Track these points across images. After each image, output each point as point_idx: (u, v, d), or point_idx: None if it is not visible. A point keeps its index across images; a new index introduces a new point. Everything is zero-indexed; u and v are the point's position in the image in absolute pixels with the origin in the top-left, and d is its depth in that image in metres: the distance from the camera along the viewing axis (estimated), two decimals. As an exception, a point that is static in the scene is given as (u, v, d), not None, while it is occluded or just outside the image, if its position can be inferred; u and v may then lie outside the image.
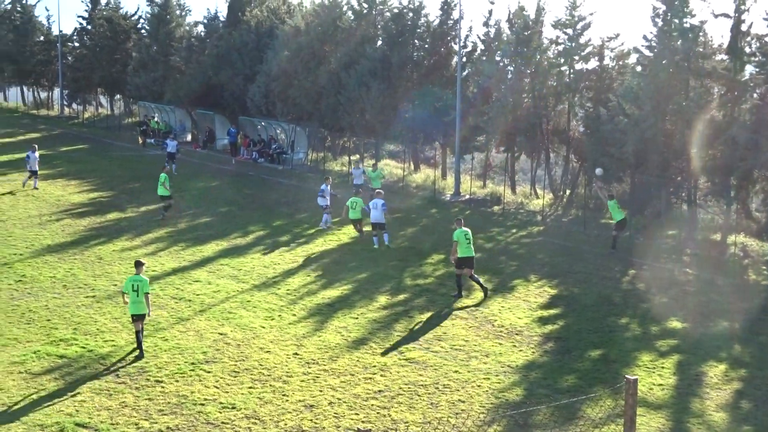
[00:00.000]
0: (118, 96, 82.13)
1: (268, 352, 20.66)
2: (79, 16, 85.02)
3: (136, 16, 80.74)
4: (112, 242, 31.15)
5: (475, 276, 25.53)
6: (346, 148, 54.27)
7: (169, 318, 22.93)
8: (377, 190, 33.26)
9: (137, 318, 20.19)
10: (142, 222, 34.88)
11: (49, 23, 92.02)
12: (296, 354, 20.59)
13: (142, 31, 77.31)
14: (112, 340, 21.09)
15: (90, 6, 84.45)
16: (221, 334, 21.81)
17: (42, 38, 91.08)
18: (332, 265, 29.13)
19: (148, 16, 73.74)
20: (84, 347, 20.55)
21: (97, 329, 21.86)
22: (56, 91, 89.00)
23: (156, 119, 64.18)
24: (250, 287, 26.15)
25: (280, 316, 23.41)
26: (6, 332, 21.43)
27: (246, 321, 22.84)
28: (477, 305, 24.76)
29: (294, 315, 23.53)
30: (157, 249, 30.60)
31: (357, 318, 23.41)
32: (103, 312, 23.27)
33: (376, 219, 31.32)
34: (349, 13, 53.53)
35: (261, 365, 19.79)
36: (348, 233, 33.93)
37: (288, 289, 26.01)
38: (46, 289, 25.28)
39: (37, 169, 41.22)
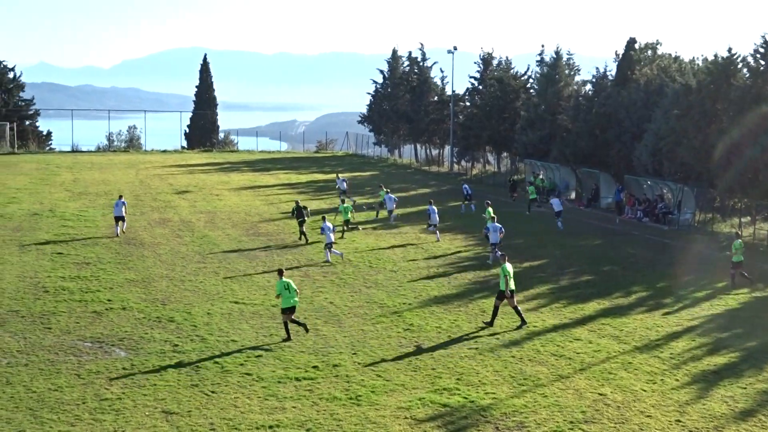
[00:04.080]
0: (505, 153, 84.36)
1: (648, 416, 20.05)
2: (471, 77, 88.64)
3: (525, 76, 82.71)
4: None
5: (518, 308, 28.13)
6: (736, 209, 51.77)
7: (549, 375, 22.95)
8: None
9: (290, 311, 25.91)
10: (524, 278, 35.32)
11: (442, 84, 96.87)
12: (679, 421, 19.80)
13: (531, 90, 78.96)
14: (493, 393, 21.46)
15: (482, 67, 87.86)
16: (601, 394, 21.48)
17: (436, 98, 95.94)
18: (718, 331, 27.79)
19: (538, 75, 75.27)
20: (466, 398, 21.08)
21: (479, 381, 22.35)
22: (447, 149, 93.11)
23: (541, 177, 65.08)
24: (632, 348, 25.57)
25: (662, 380, 22.66)
26: (394, 378, 22.50)
27: (627, 383, 22.34)
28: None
29: (677, 380, 22.68)
30: (538, 305, 30.85)
31: (745, 388, 22.11)
32: (486, 364, 23.76)
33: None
34: (744, 70, 51.28)
35: (641, 430, 19.23)
36: (736, 298, 32.31)
37: (671, 353, 25.13)
38: (432, 339, 26.28)
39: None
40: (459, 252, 40.79)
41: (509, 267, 27.99)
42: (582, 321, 28.70)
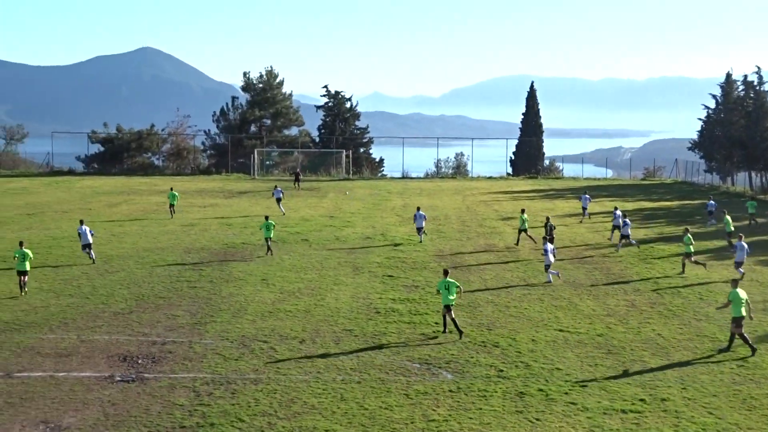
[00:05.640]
0: None
1: None
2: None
3: None
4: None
5: (745, 336, 27.23)
6: None
7: None
8: None
9: (449, 308, 28.88)
10: None
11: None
12: None
13: None
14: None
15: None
16: None
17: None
18: None
19: None
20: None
21: (823, 426, 20.77)
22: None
23: None
24: None
25: None
26: (727, 416, 21.41)
27: None
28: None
29: None
30: None
31: None
32: (830, 408, 22.05)
33: None
34: None
35: None
36: None
37: None
38: (769, 377, 24.78)
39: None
40: (799, 286, 38.22)
41: (741, 293, 27.55)
42: None
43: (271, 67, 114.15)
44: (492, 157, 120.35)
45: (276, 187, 67.56)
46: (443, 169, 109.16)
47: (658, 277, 39.90)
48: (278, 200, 64.45)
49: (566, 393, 23.20)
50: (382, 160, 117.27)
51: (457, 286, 29.33)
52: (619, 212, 50.27)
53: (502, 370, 25.27)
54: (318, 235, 52.00)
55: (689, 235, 41.55)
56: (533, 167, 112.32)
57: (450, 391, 23.38)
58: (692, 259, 41.11)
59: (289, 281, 38.22)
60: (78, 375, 24.54)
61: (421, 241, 49.35)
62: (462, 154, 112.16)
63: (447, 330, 29.43)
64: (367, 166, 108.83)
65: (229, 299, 34.47)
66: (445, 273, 29.76)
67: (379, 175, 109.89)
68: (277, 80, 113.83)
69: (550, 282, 38.35)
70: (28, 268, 35.42)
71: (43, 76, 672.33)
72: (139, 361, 25.96)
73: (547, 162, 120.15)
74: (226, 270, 40.69)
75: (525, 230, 48.37)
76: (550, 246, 39.08)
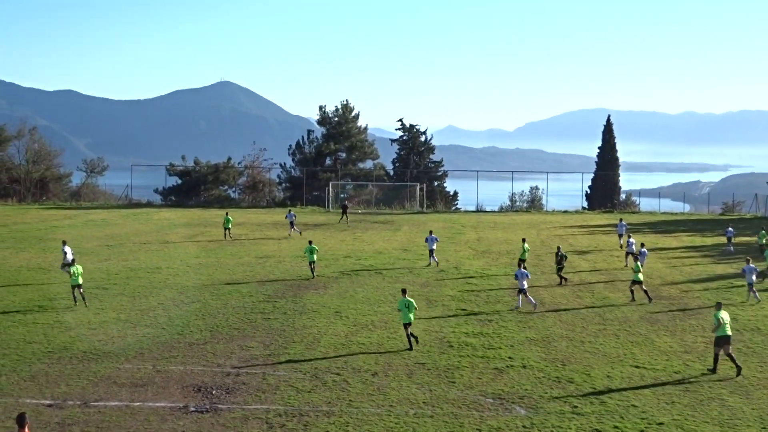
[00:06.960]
0: None
1: None
2: None
3: None
4: None
5: (732, 354, 28.70)
6: None
7: None
8: None
9: (408, 325, 31.53)
10: None
11: None
12: None
13: None
14: None
15: None
16: None
17: None
18: None
19: None
20: None
21: None
22: None
23: None
24: None
25: None
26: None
27: None
28: None
29: None
30: None
31: None
32: None
33: None
34: None
35: None
36: None
37: None
38: None
39: None
40: None
41: (725, 315, 29.07)
42: None
43: (346, 100, 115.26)
44: (567, 191, 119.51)
45: (290, 211, 74.36)
46: (518, 203, 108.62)
47: (737, 314, 39.03)
48: (291, 224, 69.90)
49: (642, 431, 22.76)
50: (456, 193, 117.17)
51: (415, 306, 32.04)
52: (632, 240, 54.25)
53: (576, 407, 24.92)
54: (391, 268, 52.02)
55: (638, 263, 42.19)
56: (609, 201, 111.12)
57: (524, 426, 23.12)
58: (642, 287, 41.90)
59: (363, 314, 38.27)
60: (153, 405, 24.83)
61: (437, 264, 53.02)
62: (537, 188, 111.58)
63: (413, 347, 31.62)
64: (441, 200, 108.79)
65: (302, 331, 34.60)
66: (404, 292, 32.46)
67: (453, 208, 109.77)
68: (353, 114, 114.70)
69: (518, 307, 39.70)
70: (80, 282, 38.92)
71: (123, 109, 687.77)
72: (213, 392, 26.17)
73: (623, 196, 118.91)
74: (300, 302, 40.90)
75: (524, 260, 48.97)
76: (525, 271, 40.16)
